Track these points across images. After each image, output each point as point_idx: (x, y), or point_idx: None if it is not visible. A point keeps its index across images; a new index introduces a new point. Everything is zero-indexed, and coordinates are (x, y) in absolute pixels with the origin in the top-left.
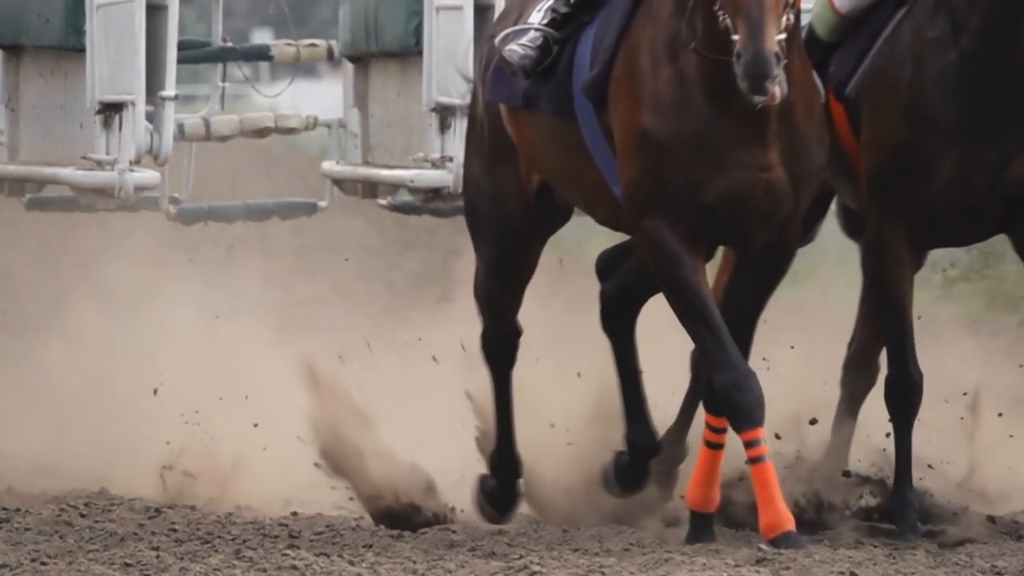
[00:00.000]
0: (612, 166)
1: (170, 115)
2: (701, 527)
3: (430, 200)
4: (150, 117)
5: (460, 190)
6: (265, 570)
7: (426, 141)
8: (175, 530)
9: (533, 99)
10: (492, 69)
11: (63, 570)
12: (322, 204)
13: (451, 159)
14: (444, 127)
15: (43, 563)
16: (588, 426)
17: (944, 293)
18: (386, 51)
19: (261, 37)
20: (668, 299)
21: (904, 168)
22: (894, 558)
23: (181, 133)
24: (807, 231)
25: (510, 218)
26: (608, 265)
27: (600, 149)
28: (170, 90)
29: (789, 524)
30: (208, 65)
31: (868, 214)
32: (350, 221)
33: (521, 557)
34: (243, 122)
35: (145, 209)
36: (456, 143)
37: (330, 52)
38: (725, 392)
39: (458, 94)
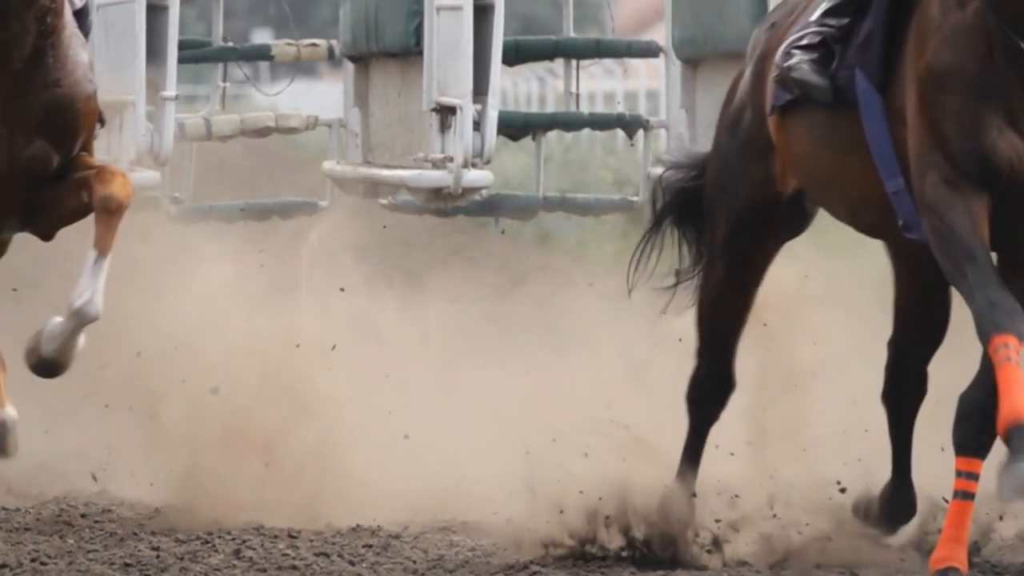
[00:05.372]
0: (891, 160)
1: (171, 115)
2: None
3: (430, 200)
4: (151, 117)
5: (460, 190)
6: (265, 570)
7: (426, 141)
8: (175, 530)
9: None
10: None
11: (63, 570)
12: (322, 204)
13: (451, 159)
14: (444, 127)
15: (43, 563)
16: None
17: None
18: (386, 51)
19: (261, 37)
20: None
21: None
22: (894, 559)
23: (182, 133)
24: None
25: (751, 202)
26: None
27: (880, 141)
28: (171, 90)
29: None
30: (208, 65)
31: None
32: (350, 221)
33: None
34: (244, 122)
35: (145, 209)
36: (456, 143)
37: (331, 52)
38: (980, 313)
39: (458, 94)
